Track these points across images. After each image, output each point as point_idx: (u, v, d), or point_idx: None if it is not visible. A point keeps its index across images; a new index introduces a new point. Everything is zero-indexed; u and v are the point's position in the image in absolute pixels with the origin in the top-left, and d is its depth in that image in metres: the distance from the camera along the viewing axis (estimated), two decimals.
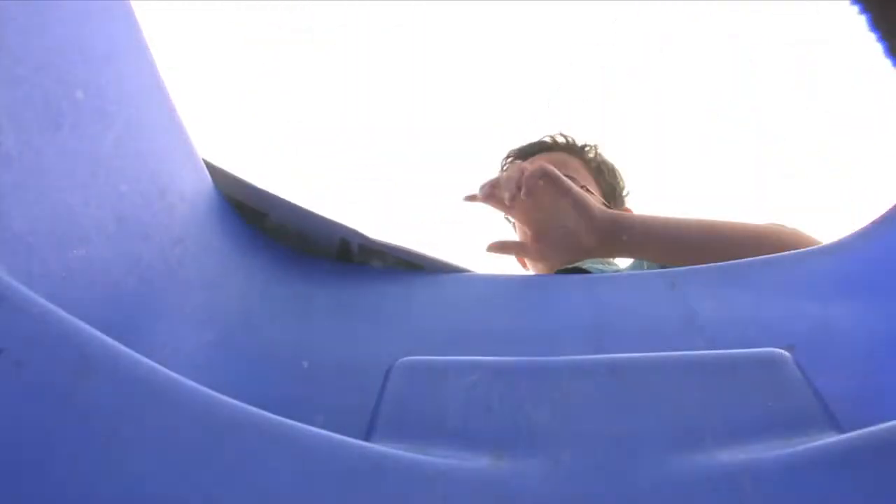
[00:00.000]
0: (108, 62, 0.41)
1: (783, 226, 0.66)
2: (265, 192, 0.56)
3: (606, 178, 1.00)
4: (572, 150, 1.00)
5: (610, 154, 1.04)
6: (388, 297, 0.53)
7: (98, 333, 0.23)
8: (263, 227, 0.56)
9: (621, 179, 1.03)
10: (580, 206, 0.62)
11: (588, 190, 0.94)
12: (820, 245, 0.54)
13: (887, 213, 0.51)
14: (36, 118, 0.33)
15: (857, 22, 0.35)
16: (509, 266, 1.11)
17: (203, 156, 0.55)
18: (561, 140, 1.01)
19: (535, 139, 1.02)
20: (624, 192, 1.02)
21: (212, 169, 0.55)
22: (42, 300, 0.23)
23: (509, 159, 1.03)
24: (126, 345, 0.23)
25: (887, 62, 0.34)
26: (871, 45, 0.34)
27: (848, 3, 0.35)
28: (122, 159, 0.41)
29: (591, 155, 1.00)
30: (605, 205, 0.77)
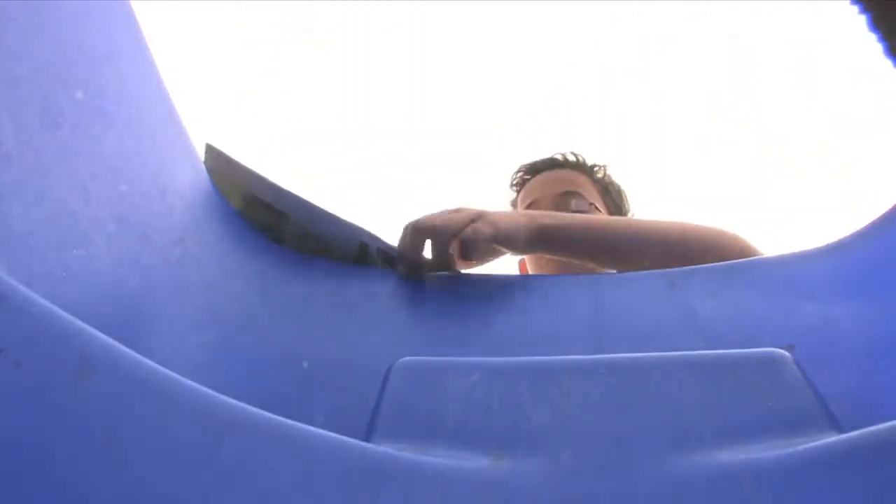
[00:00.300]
0: (108, 62, 0.41)
1: (723, 232, 0.66)
2: (291, 193, 0.56)
3: (613, 198, 1.02)
4: (582, 168, 1.02)
5: (610, 154, 1.05)
6: (388, 297, 0.53)
7: (98, 333, 0.23)
8: (282, 231, 0.56)
9: (627, 201, 1.05)
10: (504, 245, 0.63)
11: (596, 208, 0.96)
12: (818, 245, 0.54)
13: (887, 213, 0.51)
14: (36, 118, 0.33)
15: (857, 22, 0.35)
16: (509, 267, 1.12)
17: (236, 156, 0.56)
18: (571, 158, 1.02)
19: (545, 156, 1.04)
20: (630, 214, 1.04)
21: (239, 168, 0.55)
22: (42, 300, 0.23)
23: (520, 174, 1.05)
24: (126, 345, 0.23)
25: (887, 62, 0.34)
26: (871, 45, 0.34)
27: (848, 3, 0.35)
28: (122, 159, 0.41)
29: (600, 175, 1.02)
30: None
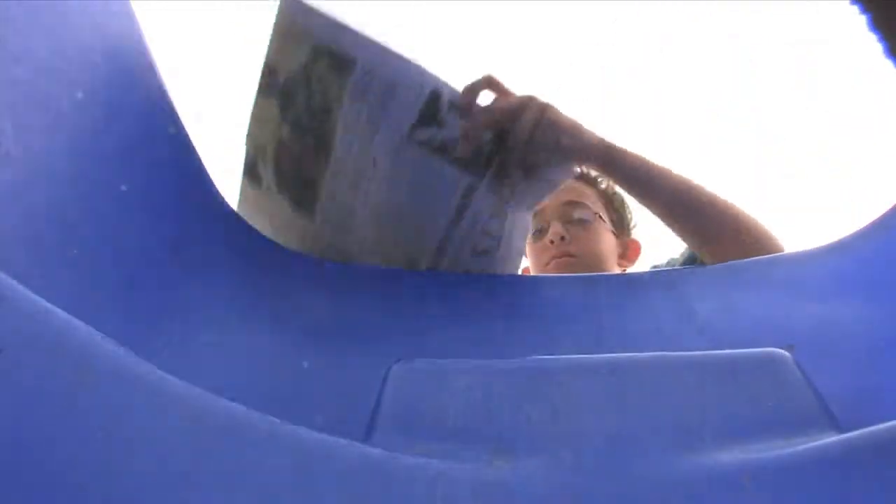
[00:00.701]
0: (108, 62, 0.41)
1: (762, 227, 0.66)
2: (365, 36, 0.52)
3: (616, 209, 1.04)
4: (586, 179, 1.03)
5: None
6: (387, 297, 0.53)
7: (98, 333, 0.23)
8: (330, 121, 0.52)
9: (630, 212, 1.07)
10: (568, 149, 0.58)
11: (601, 217, 0.98)
12: (818, 245, 0.54)
13: (887, 213, 0.51)
14: (36, 118, 0.33)
15: (857, 22, 0.35)
16: None
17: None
18: (576, 169, 1.04)
19: None
20: (632, 224, 1.05)
21: (316, 16, 0.52)
22: (42, 300, 0.23)
23: None
24: (126, 345, 0.23)
25: (887, 62, 0.34)
26: (871, 45, 0.34)
27: (848, 3, 0.35)
28: (123, 160, 0.41)
29: (604, 186, 1.03)
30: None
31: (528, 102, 0.56)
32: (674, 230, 0.65)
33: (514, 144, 0.55)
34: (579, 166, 0.62)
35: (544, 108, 0.57)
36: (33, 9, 0.34)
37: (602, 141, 0.61)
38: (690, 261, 0.83)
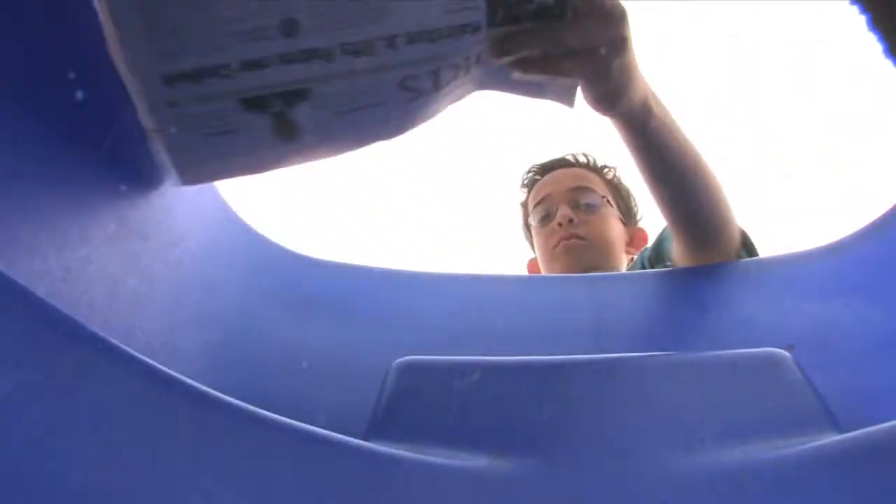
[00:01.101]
0: (106, 59, 0.41)
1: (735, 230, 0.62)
2: None
3: (623, 198, 1.04)
4: (593, 168, 1.04)
5: (611, 154, 1.06)
6: (388, 297, 0.53)
7: (98, 333, 0.23)
8: None
9: (635, 203, 1.07)
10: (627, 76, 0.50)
11: (609, 202, 0.97)
12: (818, 245, 0.54)
13: (887, 213, 0.51)
14: (37, 118, 0.33)
15: (857, 22, 0.35)
16: (511, 267, 1.12)
17: None
18: (582, 159, 1.04)
19: (557, 156, 1.05)
20: (638, 216, 1.05)
21: None
22: (42, 300, 0.23)
23: (531, 174, 1.07)
24: (126, 345, 0.23)
25: (887, 62, 0.34)
26: (871, 45, 0.34)
27: (848, 3, 0.35)
28: (121, 160, 0.41)
29: (610, 175, 1.03)
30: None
31: (616, 16, 0.47)
32: (657, 204, 0.59)
33: (561, 33, 0.43)
34: (594, 109, 0.52)
35: (623, 39, 0.48)
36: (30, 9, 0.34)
37: (644, 106, 0.54)
38: (656, 255, 0.79)
